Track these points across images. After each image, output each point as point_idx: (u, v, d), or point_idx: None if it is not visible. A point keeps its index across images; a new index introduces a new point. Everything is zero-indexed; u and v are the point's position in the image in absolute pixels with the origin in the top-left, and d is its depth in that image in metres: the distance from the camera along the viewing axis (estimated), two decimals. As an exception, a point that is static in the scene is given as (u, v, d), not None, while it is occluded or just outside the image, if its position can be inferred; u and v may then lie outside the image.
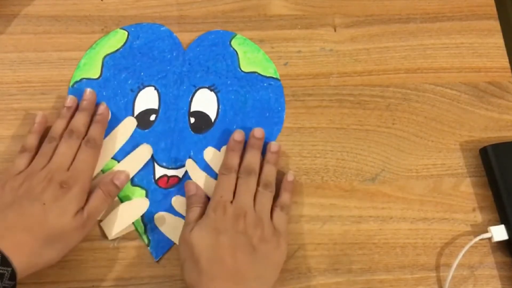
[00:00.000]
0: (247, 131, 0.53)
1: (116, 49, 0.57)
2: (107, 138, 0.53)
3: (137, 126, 0.54)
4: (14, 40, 0.57)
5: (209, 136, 0.54)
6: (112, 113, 0.54)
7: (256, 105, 0.55)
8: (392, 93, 0.56)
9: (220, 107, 0.55)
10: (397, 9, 0.60)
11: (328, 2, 0.60)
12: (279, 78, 0.57)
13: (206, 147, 0.54)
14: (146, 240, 0.50)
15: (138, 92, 0.55)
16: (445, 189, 0.53)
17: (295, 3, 0.60)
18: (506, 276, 0.50)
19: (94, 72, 0.56)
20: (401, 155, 0.54)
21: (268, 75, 0.57)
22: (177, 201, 0.52)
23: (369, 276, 0.50)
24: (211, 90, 0.56)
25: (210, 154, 0.53)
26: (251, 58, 0.57)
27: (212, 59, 0.57)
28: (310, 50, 0.58)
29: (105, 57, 0.56)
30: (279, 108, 0.55)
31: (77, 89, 0.55)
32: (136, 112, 0.55)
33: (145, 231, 0.50)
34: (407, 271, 0.50)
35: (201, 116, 0.55)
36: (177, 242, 0.49)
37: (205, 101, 0.55)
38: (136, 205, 0.50)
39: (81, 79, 0.55)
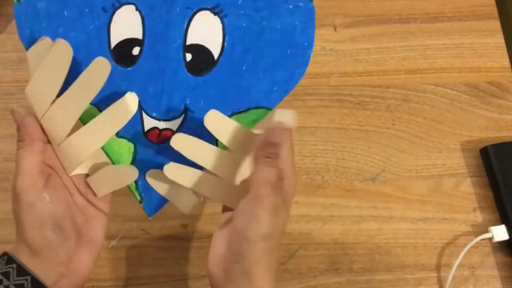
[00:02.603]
0: (259, 74, 0.41)
1: None
2: (74, 84, 0.37)
3: (117, 62, 0.41)
4: (14, 40, 0.56)
5: (211, 78, 0.41)
6: (80, 43, 0.40)
7: (275, 38, 0.40)
8: (392, 94, 0.56)
9: (226, 39, 0.41)
10: (397, 9, 0.60)
11: (328, 3, 0.60)
12: None
13: (206, 92, 0.41)
14: (138, 197, 0.42)
15: (114, 12, 0.41)
16: (445, 189, 0.53)
17: (295, 3, 0.60)
18: (506, 276, 0.50)
19: None
20: (401, 155, 0.54)
21: None
22: (172, 170, 0.40)
23: (369, 276, 0.50)
24: (214, 14, 0.41)
25: (214, 119, 0.39)
26: None
27: None
28: (310, 50, 0.58)
29: None
30: (306, 44, 0.41)
31: (25, 5, 0.42)
32: (113, 43, 0.41)
33: (137, 188, 0.42)
34: (408, 271, 0.50)
35: (200, 52, 0.41)
36: (171, 200, 0.42)
37: (206, 30, 0.41)
38: (123, 173, 0.41)
39: None
